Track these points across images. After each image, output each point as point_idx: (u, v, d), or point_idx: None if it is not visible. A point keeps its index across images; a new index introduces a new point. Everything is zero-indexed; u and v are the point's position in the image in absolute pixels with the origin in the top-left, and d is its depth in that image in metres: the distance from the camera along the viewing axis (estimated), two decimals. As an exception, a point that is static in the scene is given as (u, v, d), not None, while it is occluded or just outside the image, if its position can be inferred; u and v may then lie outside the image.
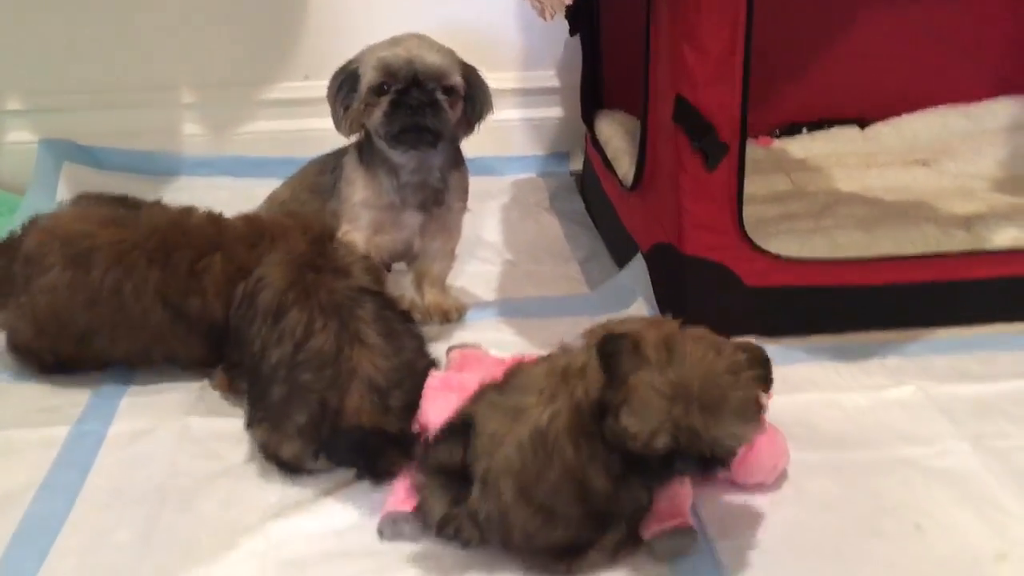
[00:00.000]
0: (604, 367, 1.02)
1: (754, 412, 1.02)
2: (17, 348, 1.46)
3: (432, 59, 1.46)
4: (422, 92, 1.46)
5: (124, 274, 1.38)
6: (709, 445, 0.99)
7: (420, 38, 1.49)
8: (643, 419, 0.98)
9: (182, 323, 1.40)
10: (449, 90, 1.48)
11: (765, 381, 1.05)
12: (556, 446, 1.03)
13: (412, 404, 1.25)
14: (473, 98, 1.52)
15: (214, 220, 1.47)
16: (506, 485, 1.04)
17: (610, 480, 1.04)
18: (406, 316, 1.38)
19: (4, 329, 1.47)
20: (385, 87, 1.47)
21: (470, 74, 1.53)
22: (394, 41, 1.49)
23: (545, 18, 1.45)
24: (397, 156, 1.53)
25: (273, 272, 1.31)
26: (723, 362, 1.01)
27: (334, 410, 1.20)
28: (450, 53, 1.50)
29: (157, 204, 1.51)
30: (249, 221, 1.48)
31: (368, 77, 1.48)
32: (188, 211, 1.48)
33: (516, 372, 1.14)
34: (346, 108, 1.51)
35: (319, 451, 1.21)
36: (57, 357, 1.44)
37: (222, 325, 1.38)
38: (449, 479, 1.08)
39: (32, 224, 1.46)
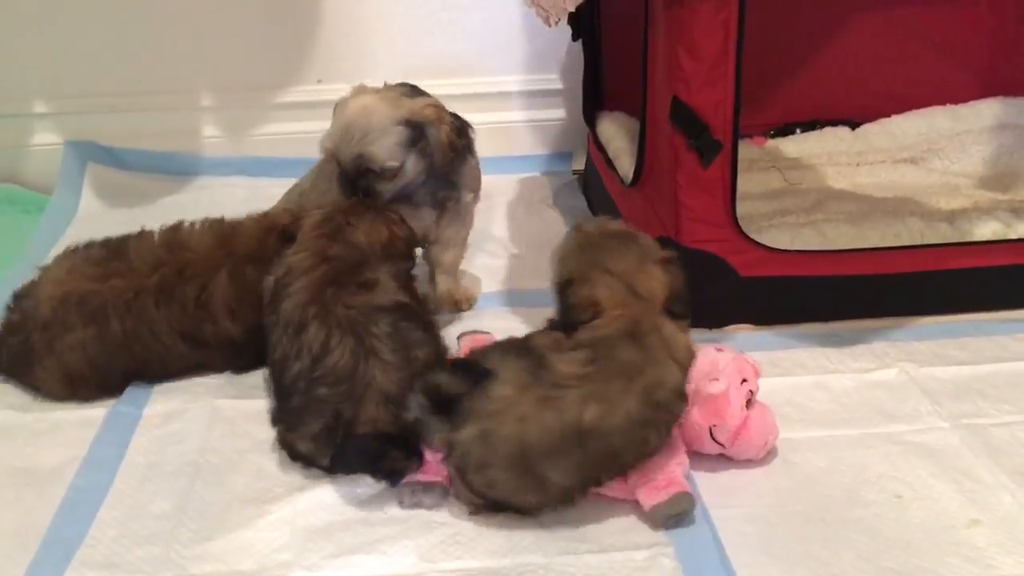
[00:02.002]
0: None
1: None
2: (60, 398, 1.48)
3: (351, 149, 1.51)
4: (359, 176, 1.52)
5: (138, 320, 1.45)
6: None
7: (358, 109, 1.53)
8: None
9: (203, 347, 1.49)
10: (381, 173, 1.53)
11: None
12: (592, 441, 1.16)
13: None
14: (425, 150, 1.55)
15: (214, 230, 1.54)
16: (506, 451, 1.15)
17: None
18: (426, 322, 1.41)
19: (39, 393, 1.49)
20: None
21: (413, 127, 1.53)
22: (335, 114, 1.56)
23: (549, 25, 1.54)
24: None
25: (299, 281, 1.36)
26: None
27: (348, 420, 1.26)
28: (383, 120, 1.52)
29: (141, 236, 1.55)
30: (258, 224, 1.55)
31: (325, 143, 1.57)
32: (176, 231, 1.54)
33: (550, 357, 1.21)
34: None
35: (332, 462, 1.27)
36: (104, 391, 1.48)
37: (242, 338, 1.48)
38: (438, 405, 1.19)
39: (26, 295, 1.50)
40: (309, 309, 1.32)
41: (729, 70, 1.50)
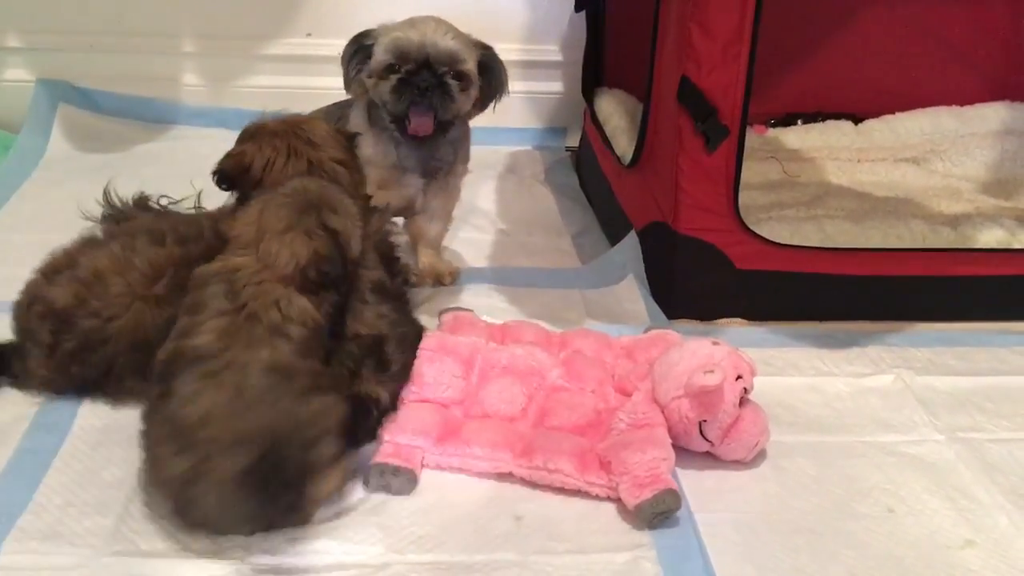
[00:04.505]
0: None
1: None
2: None
3: (446, 43, 1.46)
4: (431, 74, 1.46)
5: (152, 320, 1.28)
6: None
7: (437, 22, 1.49)
8: None
9: None
10: (461, 75, 1.48)
11: None
12: None
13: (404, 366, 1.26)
14: (489, 82, 1.53)
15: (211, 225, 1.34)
16: None
17: None
18: (400, 296, 1.34)
19: None
20: (396, 67, 1.47)
21: (489, 59, 1.53)
22: (410, 23, 1.49)
23: (560, -9, 1.46)
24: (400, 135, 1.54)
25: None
26: None
27: None
28: (466, 38, 1.50)
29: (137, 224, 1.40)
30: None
31: (380, 57, 1.48)
32: (165, 220, 1.40)
33: None
34: (356, 73, 1.52)
35: None
36: None
37: None
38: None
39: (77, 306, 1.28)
40: None
41: (743, 52, 1.43)
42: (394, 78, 1.47)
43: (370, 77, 1.51)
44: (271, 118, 1.36)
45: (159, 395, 1.06)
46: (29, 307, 1.29)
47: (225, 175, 1.25)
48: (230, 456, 1.01)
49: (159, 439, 1.06)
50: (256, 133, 1.28)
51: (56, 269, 1.30)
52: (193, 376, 1.05)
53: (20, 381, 1.30)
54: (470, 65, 1.49)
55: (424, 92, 1.46)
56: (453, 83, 1.47)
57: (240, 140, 1.30)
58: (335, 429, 1.08)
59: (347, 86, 1.56)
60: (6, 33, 2.16)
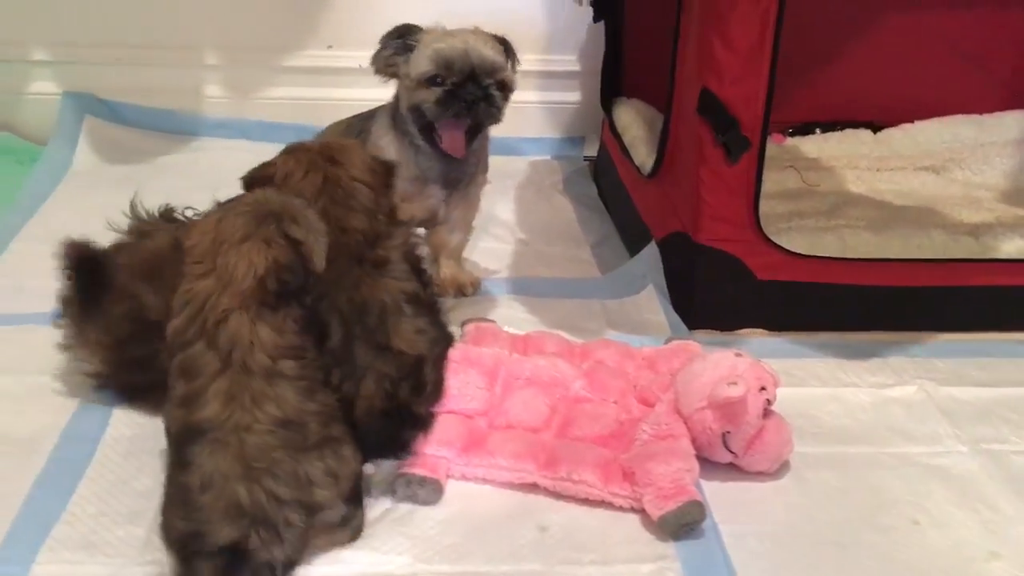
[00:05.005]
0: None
1: None
2: None
3: (488, 54, 1.47)
4: (477, 86, 1.46)
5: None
6: None
7: (476, 33, 1.50)
8: None
9: None
10: (502, 85, 1.49)
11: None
12: None
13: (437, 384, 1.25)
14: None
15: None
16: None
17: None
18: (432, 306, 1.30)
19: None
20: (439, 79, 1.47)
21: (508, 51, 1.53)
22: (450, 33, 1.49)
23: (581, 2, 1.47)
24: (423, 144, 1.54)
25: None
26: None
27: (347, 399, 1.18)
28: (501, 47, 1.51)
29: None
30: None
31: (421, 66, 1.48)
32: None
33: None
34: (387, 58, 1.52)
35: None
36: None
37: None
38: None
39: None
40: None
41: (764, 64, 1.44)
42: (439, 90, 1.46)
43: (407, 80, 1.50)
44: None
45: (175, 464, 1.05)
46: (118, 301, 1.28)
47: (250, 182, 1.27)
48: (223, 526, 1.00)
49: (170, 502, 1.05)
50: (292, 148, 1.29)
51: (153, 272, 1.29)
52: (203, 445, 1.03)
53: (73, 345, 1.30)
54: (510, 73, 1.50)
55: (471, 106, 1.46)
56: (497, 94, 1.48)
57: (280, 154, 1.31)
58: (346, 493, 1.08)
59: (375, 60, 1.54)
60: (33, 46, 2.19)
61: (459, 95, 1.46)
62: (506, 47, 1.53)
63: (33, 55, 2.19)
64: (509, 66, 1.51)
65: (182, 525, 1.02)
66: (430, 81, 1.47)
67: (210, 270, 1.09)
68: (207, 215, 1.18)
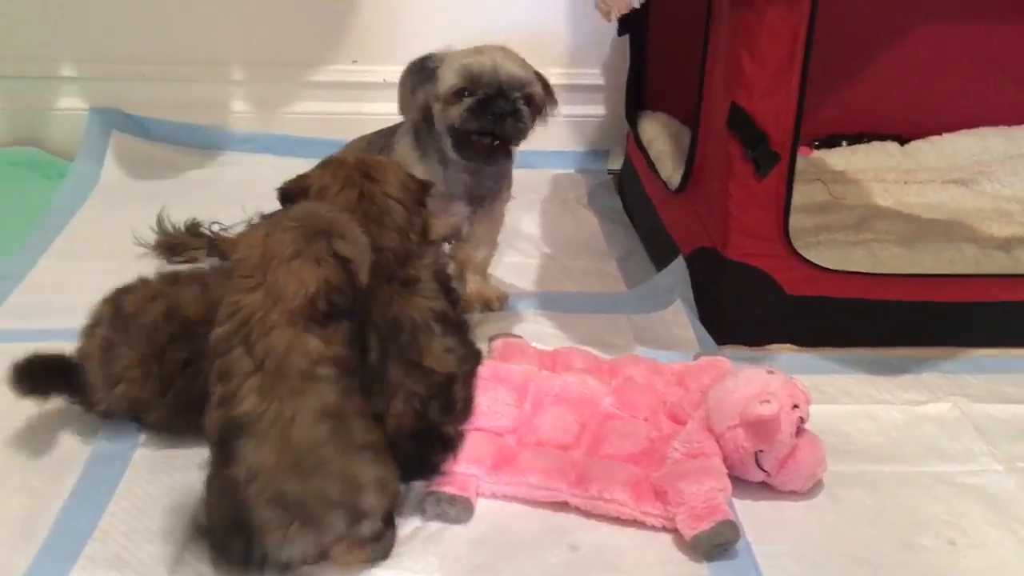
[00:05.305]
0: None
1: None
2: None
3: (516, 70, 1.48)
4: (506, 101, 1.47)
5: None
6: None
7: (504, 50, 1.50)
8: None
9: None
10: (530, 100, 1.49)
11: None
12: None
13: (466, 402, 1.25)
14: (545, 109, 1.54)
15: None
16: None
17: None
18: (460, 324, 1.30)
19: None
20: (466, 92, 1.47)
21: (545, 86, 1.54)
22: (477, 50, 1.50)
23: (611, 19, 1.47)
24: (455, 157, 1.54)
25: None
26: None
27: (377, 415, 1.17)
28: (529, 66, 1.51)
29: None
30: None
31: (449, 81, 1.48)
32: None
33: None
34: (414, 93, 1.52)
35: None
36: None
37: None
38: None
39: None
40: None
41: (794, 79, 1.43)
42: (469, 101, 1.47)
43: (437, 101, 1.51)
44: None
45: (218, 463, 1.05)
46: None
47: (285, 194, 1.27)
48: (265, 515, 1.00)
49: (211, 493, 1.05)
50: (328, 162, 1.30)
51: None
52: (246, 439, 1.03)
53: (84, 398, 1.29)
54: (538, 88, 1.50)
55: (500, 118, 1.46)
56: (525, 109, 1.48)
57: (315, 167, 1.31)
58: (388, 507, 1.08)
59: (403, 108, 1.56)
60: (60, 63, 2.21)
61: (488, 107, 1.46)
62: (543, 82, 1.54)
63: (60, 71, 2.21)
64: (537, 83, 1.51)
65: (223, 509, 1.02)
66: (458, 94, 1.48)
67: (259, 284, 1.08)
68: (255, 228, 1.19)
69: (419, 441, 1.16)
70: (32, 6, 2.15)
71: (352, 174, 1.24)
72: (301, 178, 1.27)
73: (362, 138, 1.75)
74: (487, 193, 1.61)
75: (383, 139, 1.68)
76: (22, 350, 1.26)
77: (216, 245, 1.21)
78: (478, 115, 1.46)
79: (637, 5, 1.41)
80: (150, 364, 1.25)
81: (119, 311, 1.28)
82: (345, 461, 1.03)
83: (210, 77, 2.23)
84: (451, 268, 1.68)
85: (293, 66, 2.24)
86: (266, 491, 1.01)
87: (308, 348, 1.06)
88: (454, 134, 1.50)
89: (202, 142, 2.21)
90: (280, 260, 1.08)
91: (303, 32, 2.22)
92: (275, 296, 1.07)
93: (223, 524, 1.03)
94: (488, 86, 1.46)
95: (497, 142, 1.49)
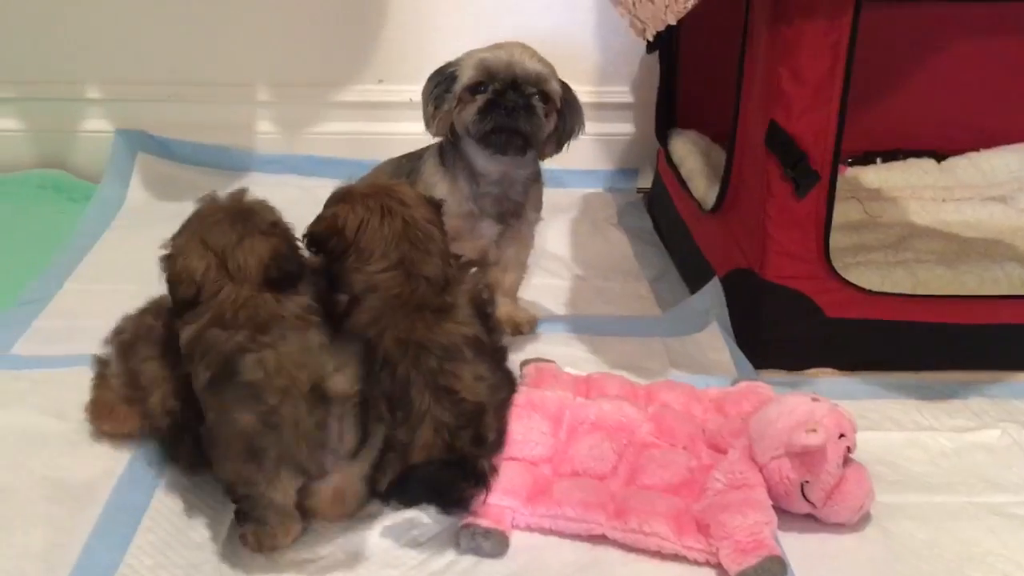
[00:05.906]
0: None
1: None
2: None
3: (532, 65, 1.46)
4: (519, 94, 1.45)
5: None
6: None
7: (523, 46, 1.49)
8: None
9: None
10: (546, 96, 1.47)
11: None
12: None
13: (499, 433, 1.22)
14: (565, 115, 1.51)
15: None
16: None
17: None
18: (497, 353, 1.27)
19: None
20: (482, 87, 1.46)
21: (566, 91, 1.52)
22: (496, 46, 1.49)
23: (646, 37, 1.43)
24: (483, 161, 1.52)
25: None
26: None
27: (403, 445, 1.15)
28: (550, 65, 1.50)
29: None
30: None
31: (466, 76, 1.48)
32: None
33: None
34: (437, 107, 1.50)
35: (391, 493, 1.16)
36: None
37: None
38: None
39: None
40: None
41: (834, 96, 1.39)
42: (481, 98, 1.46)
43: (453, 102, 1.49)
44: (355, 182, 1.35)
45: (226, 385, 1.07)
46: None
47: (316, 238, 1.23)
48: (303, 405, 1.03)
49: (224, 409, 1.07)
50: (346, 196, 1.26)
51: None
52: (248, 355, 1.06)
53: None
54: (555, 85, 1.48)
55: (511, 112, 1.44)
56: (539, 104, 1.46)
57: (329, 204, 1.27)
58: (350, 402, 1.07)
59: (428, 123, 1.54)
60: (85, 85, 2.21)
61: (499, 102, 1.45)
62: (567, 89, 1.52)
63: (85, 93, 2.21)
64: (556, 81, 1.48)
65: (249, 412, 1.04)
66: (473, 90, 1.47)
67: (223, 278, 1.14)
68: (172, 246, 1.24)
69: (448, 472, 1.13)
70: (57, 28, 2.15)
71: (386, 202, 1.21)
72: (329, 218, 1.23)
73: (389, 161, 1.73)
74: (515, 209, 1.58)
75: (411, 162, 1.66)
76: (45, 377, 1.24)
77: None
78: (488, 113, 1.45)
79: (673, 22, 1.38)
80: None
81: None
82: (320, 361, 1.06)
83: (235, 98, 2.22)
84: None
85: (318, 86, 2.23)
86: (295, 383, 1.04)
87: (278, 303, 1.13)
88: (471, 135, 1.48)
89: (227, 163, 2.20)
90: (229, 248, 1.14)
91: (328, 52, 2.21)
92: (238, 279, 1.13)
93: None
94: (503, 80, 1.45)
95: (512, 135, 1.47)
